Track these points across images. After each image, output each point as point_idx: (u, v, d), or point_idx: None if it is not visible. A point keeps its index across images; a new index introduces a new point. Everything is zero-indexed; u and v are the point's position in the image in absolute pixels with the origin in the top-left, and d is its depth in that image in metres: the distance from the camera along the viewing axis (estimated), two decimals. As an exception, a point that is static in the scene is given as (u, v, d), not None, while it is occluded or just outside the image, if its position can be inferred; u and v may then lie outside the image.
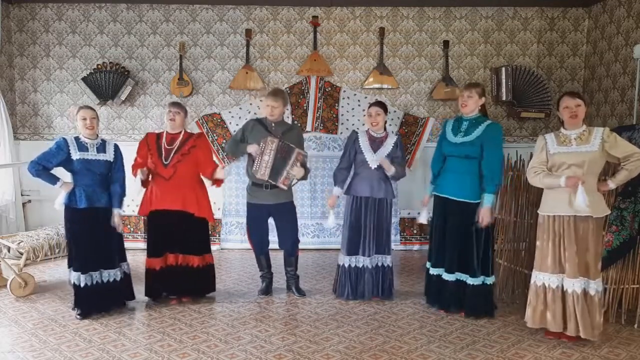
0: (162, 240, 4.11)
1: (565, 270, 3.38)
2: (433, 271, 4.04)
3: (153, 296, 4.22)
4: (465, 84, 4.05)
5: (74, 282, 3.85)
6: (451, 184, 3.84)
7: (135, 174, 4.08)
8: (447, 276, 3.92)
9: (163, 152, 4.07)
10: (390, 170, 4.11)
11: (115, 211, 3.90)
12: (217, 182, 4.22)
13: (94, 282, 3.84)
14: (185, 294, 4.25)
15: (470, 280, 3.84)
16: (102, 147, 3.89)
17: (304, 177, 4.24)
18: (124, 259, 4.06)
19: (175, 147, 4.09)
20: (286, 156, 4.04)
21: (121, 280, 3.99)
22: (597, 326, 3.36)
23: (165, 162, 4.05)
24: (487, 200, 3.73)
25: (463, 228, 3.80)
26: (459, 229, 3.81)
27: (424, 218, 4.13)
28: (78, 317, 3.85)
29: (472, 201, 3.78)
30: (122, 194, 3.96)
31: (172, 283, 4.17)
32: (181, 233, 4.10)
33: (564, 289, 3.39)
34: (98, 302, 3.88)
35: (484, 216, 3.73)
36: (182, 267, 4.15)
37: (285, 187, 4.13)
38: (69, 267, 3.98)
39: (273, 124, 4.20)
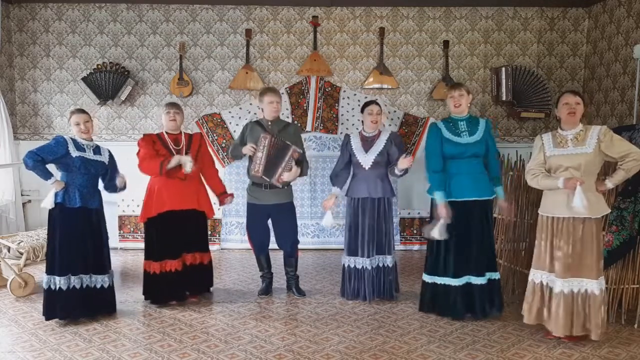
0: (178, 240, 4.11)
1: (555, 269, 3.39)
2: (453, 282, 3.80)
3: (163, 301, 4.14)
4: (450, 85, 4.03)
5: (59, 287, 3.66)
6: (471, 185, 3.75)
7: (159, 166, 3.93)
8: (476, 280, 3.79)
9: (175, 153, 4.06)
10: (404, 164, 3.95)
11: (117, 174, 3.98)
12: (222, 203, 4.40)
13: (84, 286, 3.76)
14: (197, 292, 4.31)
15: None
16: (97, 150, 3.87)
17: (303, 173, 4.25)
18: (110, 268, 3.95)
19: (185, 148, 4.11)
20: (280, 153, 4.04)
21: (109, 287, 3.91)
22: (600, 325, 3.33)
23: None
24: (502, 193, 3.92)
25: (481, 226, 3.80)
26: (483, 228, 3.79)
27: (440, 233, 3.64)
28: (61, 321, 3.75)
29: (489, 198, 3.84)
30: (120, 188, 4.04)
31: (189, 282, 4.19)
32: (194, 231, 4.20)
33: (552, 287, 3.41)
34: (86, 306, 3.76)
35: (509, 207, 4.02)
36: (199, 265, 4.25)
37: (279, 185, 4.13)
38: (47, 272, 3.71)
39: (269, 123, 4.21)
